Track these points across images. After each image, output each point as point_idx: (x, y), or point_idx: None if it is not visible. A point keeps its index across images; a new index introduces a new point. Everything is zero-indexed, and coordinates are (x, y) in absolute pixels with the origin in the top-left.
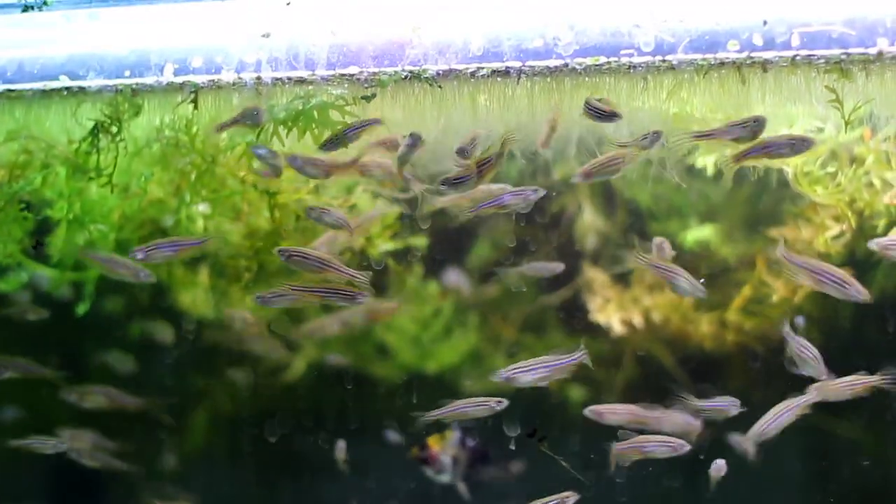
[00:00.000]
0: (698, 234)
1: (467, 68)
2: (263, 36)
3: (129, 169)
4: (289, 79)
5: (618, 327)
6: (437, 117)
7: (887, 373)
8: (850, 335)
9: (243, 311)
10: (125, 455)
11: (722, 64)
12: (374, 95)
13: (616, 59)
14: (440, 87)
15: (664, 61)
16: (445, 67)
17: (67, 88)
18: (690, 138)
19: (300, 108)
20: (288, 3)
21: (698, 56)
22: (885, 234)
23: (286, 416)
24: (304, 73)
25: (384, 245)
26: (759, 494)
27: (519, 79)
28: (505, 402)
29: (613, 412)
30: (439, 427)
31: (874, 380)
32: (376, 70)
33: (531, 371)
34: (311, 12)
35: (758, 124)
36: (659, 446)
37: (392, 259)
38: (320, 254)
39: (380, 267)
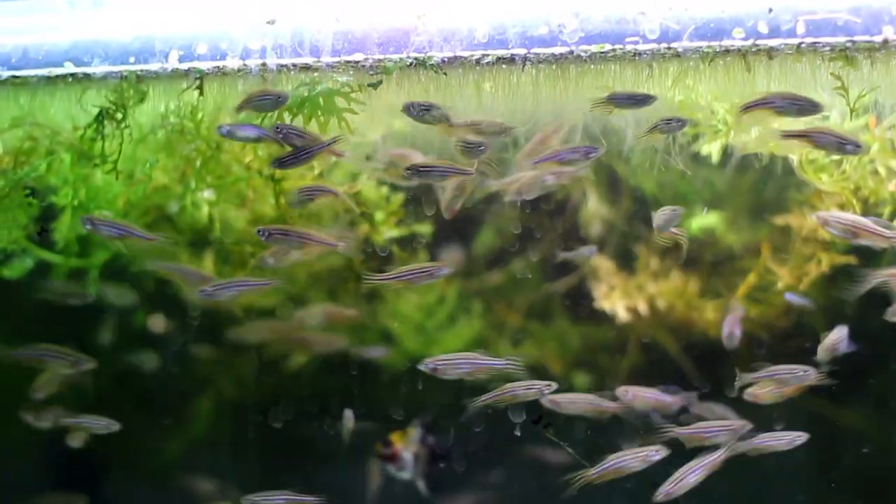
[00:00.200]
0: (703, 221)
1: (472, 55)
2: (268, 23)
3: (134, 155)
4: (294, 66)
5: (622, 314)
6: (442, 105)
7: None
8: (854, 323)
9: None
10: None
11: (727, 51)
12: (379, 82)
13: (621, 46)
14: (445, 74)
15: (669, 49)
16: (450, 55)
17: (72, 75)
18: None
19: (305, 94)
20: None
21: (703, 44)
22: (890, 220)
23: (290, 403)
24: (309, 60)
25: (389, 232)
26: (761, 484)
27: (524, 66)
28: (554, 386)
29: (572, 402)
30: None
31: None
32: (381, 57)
33: (458, 366)
34: None
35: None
36: (720, 431)
37: (397, 246)
38: (300, 228)
39: (384, 254)
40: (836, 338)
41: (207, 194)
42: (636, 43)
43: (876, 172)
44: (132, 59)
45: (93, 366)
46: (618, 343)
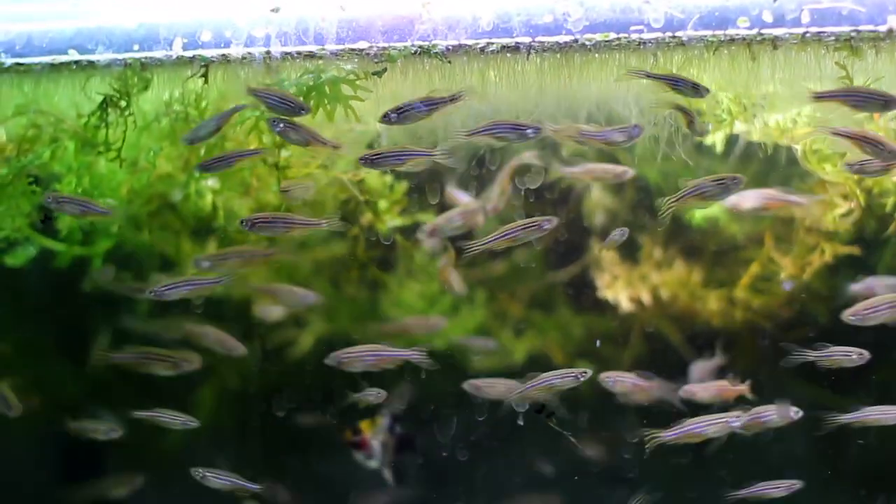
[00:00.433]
0: (707, 211)
1: (477, 44)
2: (272, 10)
3: (137, 143)
4: (298, 53)
5: (626, 304)
6: (447, 93)
7: None
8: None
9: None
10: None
11: (732, 40)
12: (384, 70)
13: (626, 35)
14: (449, 62)
15: (674, 38)
16: (455, 43)
17: (76, 62)
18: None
19: (310, 83)
20: None
21: (708, 33)
22: (893, 212)
23: (293, 392)
24: (313, 48)
25: (392, 221)
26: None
27: (528, 55)
28: (588, 373)
29: (492, 386)
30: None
31: None
32: (386, 45)
33: (362, 358)
34: None
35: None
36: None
37: (400, 235)
38: (283, 214)
39: (388, 242)
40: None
41: (211, 183)
42: (641, 32)
43: None
44: (136, 47)
45: (196, 366)
46: (621, 333)
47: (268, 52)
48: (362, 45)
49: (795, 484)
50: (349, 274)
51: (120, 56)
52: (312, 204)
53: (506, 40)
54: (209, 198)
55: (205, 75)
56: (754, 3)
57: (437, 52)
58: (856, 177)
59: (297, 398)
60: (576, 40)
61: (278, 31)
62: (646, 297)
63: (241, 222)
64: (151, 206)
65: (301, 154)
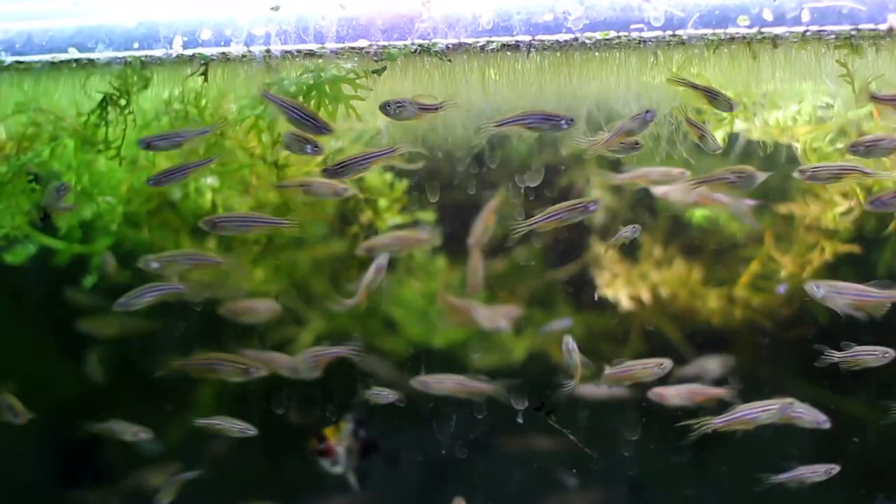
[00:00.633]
0: (707, 209)
1: (477, 42)
2: (272, 9)
3: None
4: (298, 52)
5: (625, 302)
6: (446, 91)
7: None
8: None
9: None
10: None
11: (732, 39)
12: (384, 69)
13: (626, 33)
14: (449, 61)
15: (674, 36)
16: (455, 41)
17: (76, 61)
18: None
19: (311, 81)
20: None
21: (708, 31)
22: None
23: (293, 390)
24: (313, 47)
25: (392, 219)
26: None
27: (528, 53)
28: (668, 364)
29: (440, 382)
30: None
31: None
32: (386, 44)
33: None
34: None
35: None
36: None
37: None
38: (244, 213)
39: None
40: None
41: (211, 181)
42: (641, 30)
43: (880, 161)
44: (136, 45)
45: (264, 373)
46: (621, 331)
47: (268, 51)
48: (362, 43)
49: (834, 468)
50: (349, 272)
51: (120, 54)
52: (311, 202)
53: (506, 39)
54: (209, 196)
55: (204, 74)
56: (754, 1)
57: (437, 51)
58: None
59: (297, 396)
60: (576, 39)
61: (278, 29)
62: (645, 296)
63: (204, 223)
64: (151, 205)
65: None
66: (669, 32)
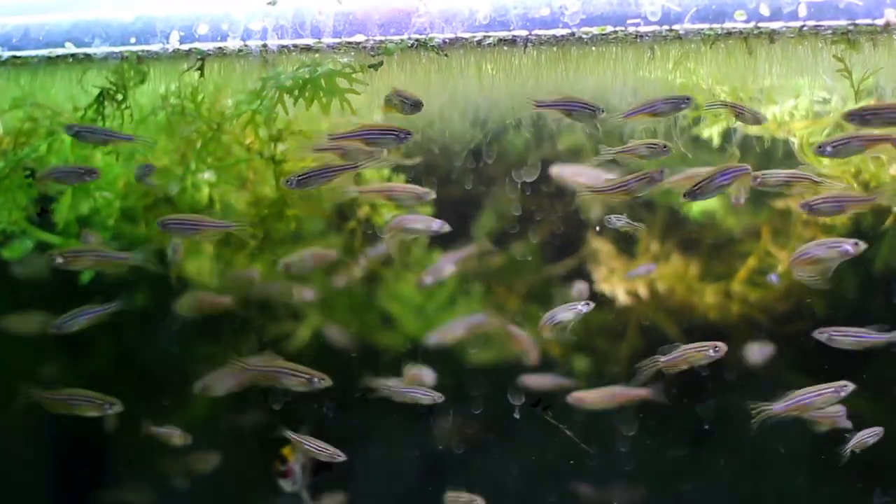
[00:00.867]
0: (704, 204)
1: (473, 37)
2: (269, 3)
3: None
4: (295, 46)
5: (622, 298)
6: (443, 86)
7: None
8: (854, 306)
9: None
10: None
11: (729, 34)
12: (380, 63)
13: (623, 28)
14: (446, 55)
15: (671, 31)
16: (451, 36)
17: (73, 55)
18: None
19: (307, 76)
20: None
21: (705, 26)
22: (890, 205)
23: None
24: (310, 41)
25: (389, 214)
26: (761, 465)
27: (525, 48)
28: (723, 348)
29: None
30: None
31: None
32: (382, 38)
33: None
34: None
35: None
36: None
37: None
38: (194, 216)
39: (384, 236)
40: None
41: (208, 176)
42: (638, 25)
43: (876, 156)
44: (133, 40)
45: (328, 384)
46: (617, 326)
47: (264, 46)
48: (359, 38)
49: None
50: (346, 267)
51: (117, 49)
52: (308, 197)
53: (503, 33)
54: (206, 191)
55: (201, 68)
56: None
57: (433, 46)
58: (853, 170)
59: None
60: (573, 33)
61: (275, 24)
62: (642, 291)
63: (159, 223)
64: (148, 200)
65: (297, 147)
66: (666, 27)
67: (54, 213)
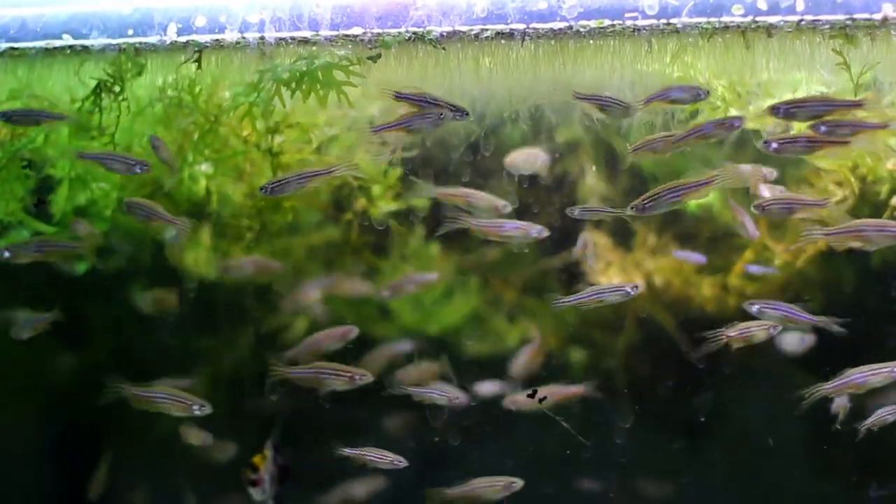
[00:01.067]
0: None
1: (471, 30)
2: None
3: (131, 128)
4: (292, 39)
5: None
6: (441, 79)
7: None
8: (852, 300)
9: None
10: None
11: (726, 28)
12: (378, 56)
13: (620, 22)
14: (444, 49)
15: (668, 25)
16: (449, 29)
17: (70, 47)
18: None
19: (304, 68)
20: None
21: (703, 20)
22: (887, 199)
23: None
24: (307, 34)
25: (386, 206)
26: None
27: (523, 41)
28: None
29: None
30: None
31: None
32: (380, 31)
33: None
34: None
35: None
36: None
37: (394, 220)
38: (149, 203)
39: (382, 227)
40: None
41: (205, 168)
42: (635, 18)
43: (874, 150)
44: (130, 32)
45: (370, 380)
46: (614, 319)
47: (262, 38)
48: (356, 30)
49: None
50: (343, 259)
51: (114, 41)
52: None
53: (500, 27)
54: (203, 183)
55: (198, 61)
56: None
57: (431, 39)
58: (850, 164)
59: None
60: (570, 27)
61: (273, 16)
62: (640, 284)
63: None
64: (145, 191)
65: (295, 140)
66: (664, 21)
67: (51, 204)
